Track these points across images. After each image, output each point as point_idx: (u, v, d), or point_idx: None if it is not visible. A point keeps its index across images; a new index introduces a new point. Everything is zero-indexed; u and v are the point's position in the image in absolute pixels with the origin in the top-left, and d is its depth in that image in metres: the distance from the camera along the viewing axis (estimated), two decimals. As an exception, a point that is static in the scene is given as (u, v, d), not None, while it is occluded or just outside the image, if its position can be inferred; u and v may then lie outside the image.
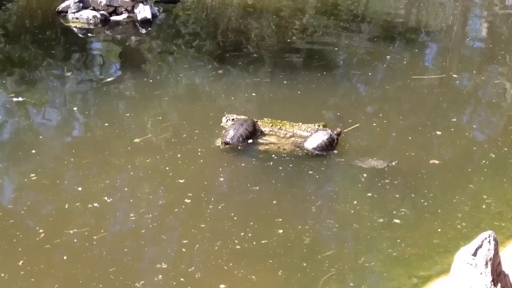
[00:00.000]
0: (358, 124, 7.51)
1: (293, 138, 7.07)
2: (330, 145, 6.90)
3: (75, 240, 5.39)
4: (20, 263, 5.08)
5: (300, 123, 7.27)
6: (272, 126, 7.22)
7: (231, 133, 6.97)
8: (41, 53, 9.97)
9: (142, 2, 11.58)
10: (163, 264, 5.18)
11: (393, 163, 6.67)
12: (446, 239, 5.59)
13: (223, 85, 8.94)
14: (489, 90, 9.21)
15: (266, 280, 5.01)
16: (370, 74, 9.59)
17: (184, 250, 5.34)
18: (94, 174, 6.40)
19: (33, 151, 6.78)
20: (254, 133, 7.09)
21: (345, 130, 7.29)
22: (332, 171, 6.74)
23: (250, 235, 5.51)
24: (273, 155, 6.80)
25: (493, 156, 7.06)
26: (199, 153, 6.79)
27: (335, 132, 7.06)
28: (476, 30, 12.58)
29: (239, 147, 6.91)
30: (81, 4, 11.50)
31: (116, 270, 5.07)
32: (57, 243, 5.32)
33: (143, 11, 11.48)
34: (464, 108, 8.63)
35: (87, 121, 7.75)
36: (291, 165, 6.62)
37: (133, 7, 11.66)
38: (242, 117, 7.33)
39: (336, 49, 10.62)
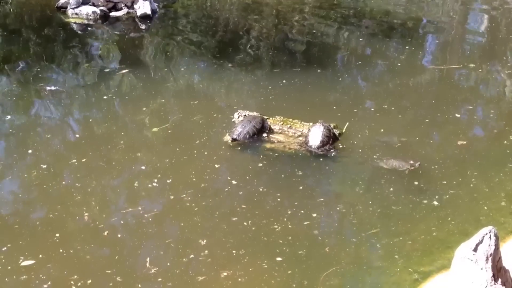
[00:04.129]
0: (348, 123, 7.47)
1: (301, 138, 7.18)
2: (329, 134, 7.00)
3: (129, 219, 5.78)
4: (105, 233, 5.53)
5: (311, 123, 7.30)
6: (282, 124, 7.34)
7: (238, 129, 7.18)
8: (49, 48, 10.19)
9: (142, -2, 11.64)
10: (217, 237, 5.52)
11: (416, 165, 6.64)
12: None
13: (228, 80, 9.18)
14: (505, 79, 9.54)
15: (317, 256, 5.37)
16: (375, 69, 9.73)
17: (239, 226, 5.69)
18: (132, 159, 6.74)
19: (77, 136, 7.26)
20: (262, 130, 7.26)
21: (343, 130, 7.37)
22: (348, 163, 6.89)
23: (300, 213, 5.87)
24: (282, 153, 6.96)
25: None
26: (211, 147, 7.05)
27: (326, 123, 7.15)
28: (479, 23, 12.61)
29: (246, 143, 7.08)
30: (80, 0, 11.57)
31: (174, 241, 5.48)
32: (114, 221, 5.73)
33: (143, 7, 11.47)
34: (481, 95, 8.97)
35: (117, 108, 8.09)
36: (307, 161, 6.83)
37: (132, 3, 11.67)
38: (254, 113, 7.48)
39: (339, 45, 10.79)
